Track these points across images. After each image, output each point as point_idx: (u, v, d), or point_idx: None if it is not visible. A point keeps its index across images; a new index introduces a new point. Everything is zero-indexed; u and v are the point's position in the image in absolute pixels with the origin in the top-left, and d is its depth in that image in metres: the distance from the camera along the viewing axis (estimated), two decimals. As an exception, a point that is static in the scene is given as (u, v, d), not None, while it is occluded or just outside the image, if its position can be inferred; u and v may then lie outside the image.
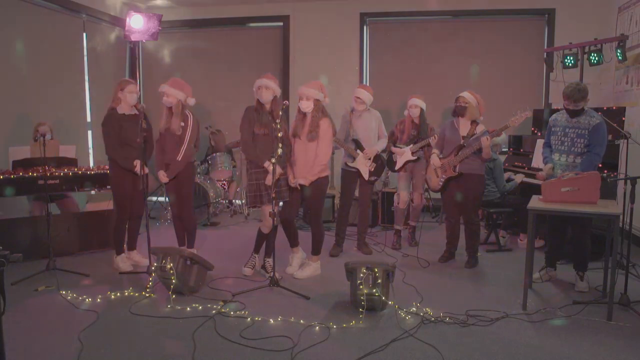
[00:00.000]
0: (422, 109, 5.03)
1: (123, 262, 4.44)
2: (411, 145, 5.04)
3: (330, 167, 6.50)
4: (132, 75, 7.50)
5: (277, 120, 3.88)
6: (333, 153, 6.37)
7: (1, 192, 4.38)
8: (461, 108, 4.42)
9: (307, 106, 4.08)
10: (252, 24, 7.52)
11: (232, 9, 7.38)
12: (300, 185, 4.12)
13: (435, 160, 4.55)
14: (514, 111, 4.23)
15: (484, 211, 5.33)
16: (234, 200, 6.90)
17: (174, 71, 7.19)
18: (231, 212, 6.80)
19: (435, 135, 4.84)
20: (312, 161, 4.09)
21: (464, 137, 4.43)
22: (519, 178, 5.23)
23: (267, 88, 4.01)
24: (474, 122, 4.44)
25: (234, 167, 6.74)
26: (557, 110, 4.37)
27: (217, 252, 4.97)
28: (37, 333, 3.14)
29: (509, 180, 5.27)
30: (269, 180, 4.01)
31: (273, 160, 3.80)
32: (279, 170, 3.93)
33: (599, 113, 4.00)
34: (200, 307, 3.53)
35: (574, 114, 3.86)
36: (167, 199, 5.83)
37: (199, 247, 5.00)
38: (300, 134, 4.15)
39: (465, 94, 4.44)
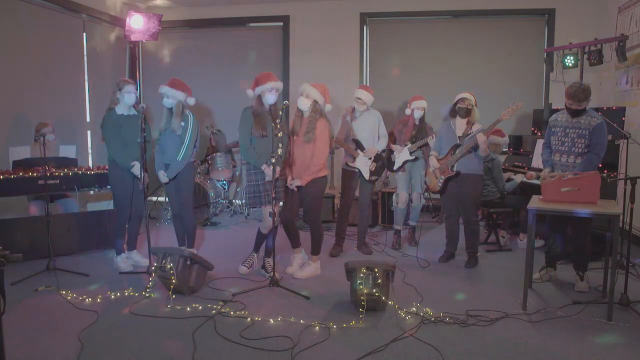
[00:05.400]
0: (424, 110, 5.05)
1: (123, 262, 4.44)
2: (409, 145, 5.04)
3: (330, 167, 6.51)
4: (132, 75, 7.50)
5: (278, 120, 3.87)
6: (332, 153, 6.39)
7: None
8: (466, 110, 4.40)
9: (305, 104, 4.08)
10: (252, 24, 7.52)
11: (232, 9, 7.38)
12: (297, 186, 4.12)
13: (433, 161, 4.55)
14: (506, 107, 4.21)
15: (484, 211, 5.33)
16: (234, 200, 6.90)
17: (174, 71, 7.18)
18: (231, 212, 6.80)
19: (434, 135, 4.84)
20: (309, 161, 4.10)
21: (459, 137, 4.43)
22: (519, 178, 5.23)
23: (277, 90, 4.03)
24: (470, 122, 4.44)
25: (234, 167, 6.74)
26: (557, 110, 4.36)
27: (217, 252, 4.97)
28: (37, 333, 3.14)
29: (509, 180, 5.27)
30: (269, 177, 4.01)
31: (273, 160, 3.80)
32: (277, 170, 3.93)
33: (599, 113, 4.00)
34: (200, 307, 3.53)
35: (575, 113, 3.85)
36: (167, 198, 5.83)
37: (199, 247, 5.01)
38: (297, 133, 4.15)
39: (469, 96, 4.42)
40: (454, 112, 4.51)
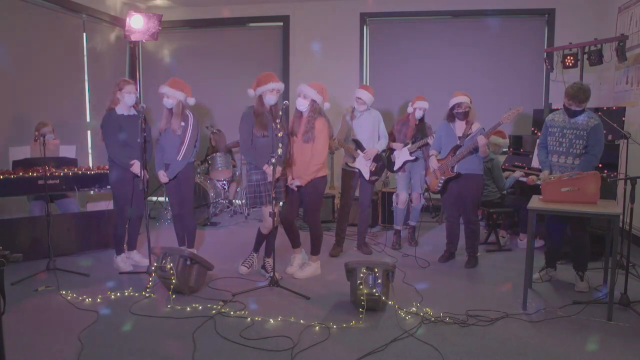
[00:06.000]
0: (425, 111, 5.06)
1: (123, 262, 4.44)
2: (410, 145, 5.04)
3: (330, 167, 6.52)
4: (132, 75, 7.50)
5: (277, 120, 3.87)
6: (332, 153, 6.38)
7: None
8: (465, 114, 4.38)
9: (303, 104, 4.08)
10: (252, 24, 7.53)
11: (232, 9, 7.39)
12: (297, 186, 4.12)
13: (433, 162, 4.55)
14: (506, 107, 4.22)
15: (484, 211, 5.33)
16: (234, 200, 6.90)
17: (174, 71, 7.20)
18: (231, 212, 6.80)
19: (433, 135, 4.84)
20: (309, 161, 4.09)
21: (459, 138, 4.42)
22: (518, 174, 5.22)
23: (278, 91, 4.02)
24: (469, 122, 4.43)
25: (234, 167, 6.74)
26: (557, 110, 4.35)
27: (217, 252, 4.97)
28: (37, 333, 3.14)
29: (507, 177, 5.27)
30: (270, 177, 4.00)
31: (273, 160, 3.79)
32: (278, 170, 3.92)
33: (599, 113, 3.99)
34: (200, 307, 3.53)
35: (574, 114, 3.83)
36: (167, 198, 5.83)
37: (199, 247, 5.01)
38: (296, 133, 4.15)
39: (464, 99, 4.39)
40: (451, 117, 4.49)
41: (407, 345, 2.98)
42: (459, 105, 4.39)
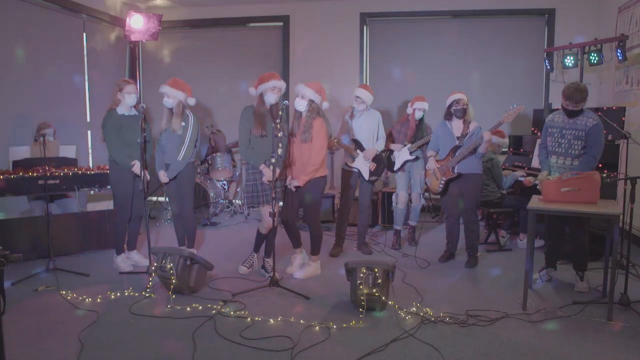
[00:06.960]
0: (424, 111, 5.06)
1: (123, 262, 4.44)
2: (409, 145, 5.04)
3: (330, 167, 6.51)
4: (132, 75, 7.50)
5: (277, 120, 3.87)
6: (332, 153, 6.38)
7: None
8: (463, 111, 4.39)
9: (301, 105, 4.07)
10: (252, 24, 7.53)
11: (232, 9, 7.39)
12: (296, 186, 4.12)
13: (431, 163, 4.54)
14: (506, 107, 4.22)
15: (484, 211, 5.33)
16: (234, 200, 6.90)
17: (174, 71, 7.19)
18: (231, 212, 6.80)
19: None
20: (306, 161, 4.09)
21: (458, 138, 4.42)
22: (519, 173, 5.22)
23: (280, 90, 4.02)
24: (466, 121, 4.43)
25: (234, 167, 6.74)
26: (557, 110, 4.35)
27: (217, 252, 4.97)
28: (37, 333, 3.14)
29: (507, 176, 5.27)
30: (267, 178, 4.00)
31: (273, 160, 3.79)
32: (277, 170, 3.92)
33: (599, 113, 3.98)
34: (200, 307, 3.53)
35: (572, 114, 3.82)
36: (167, 198, 5.83)
37: (199, 247, 5.01)
38: (295, 133, 4.15)
39: (462, 96, 4.40)
40: (449, 115, 4.49)
41: (407, 345, 2.98)
42: (457, 102, 4.40)
